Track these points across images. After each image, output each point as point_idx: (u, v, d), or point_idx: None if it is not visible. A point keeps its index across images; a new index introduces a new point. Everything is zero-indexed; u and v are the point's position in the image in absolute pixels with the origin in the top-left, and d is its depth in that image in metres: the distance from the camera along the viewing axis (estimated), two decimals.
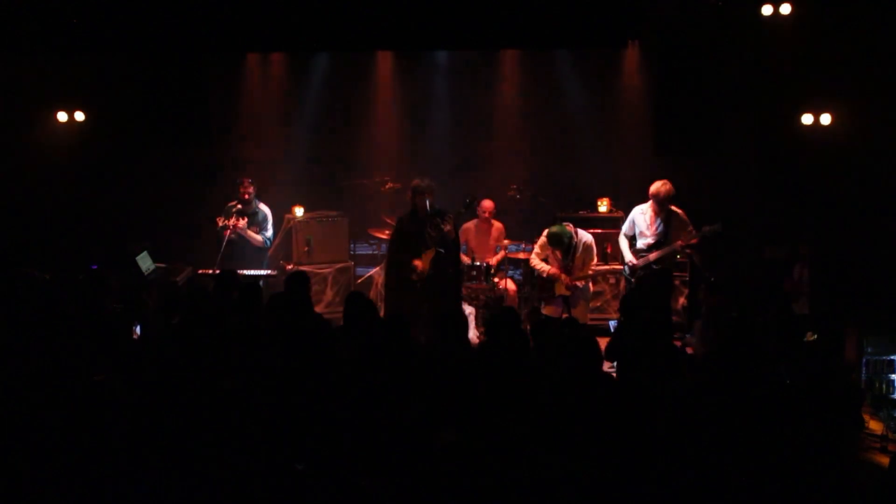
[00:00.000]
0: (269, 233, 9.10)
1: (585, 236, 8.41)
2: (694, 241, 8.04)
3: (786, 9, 8.72)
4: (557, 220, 8.89)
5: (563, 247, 8.29)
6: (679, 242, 8.09)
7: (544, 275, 8.45)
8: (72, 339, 5.79)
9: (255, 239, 8.94)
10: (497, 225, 9.40)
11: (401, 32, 8.91)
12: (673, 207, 8.20)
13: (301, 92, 10.53)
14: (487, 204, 9.25)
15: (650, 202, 8.24)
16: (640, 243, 8.30)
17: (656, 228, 8.21)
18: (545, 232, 8.45)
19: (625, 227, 8.47)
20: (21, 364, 5.33)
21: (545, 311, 8.45)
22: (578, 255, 8.34)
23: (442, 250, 8.10)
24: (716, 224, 7.96)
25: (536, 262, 8.51)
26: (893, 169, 9.06)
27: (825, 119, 9.07)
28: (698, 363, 6.20)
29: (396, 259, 8.26)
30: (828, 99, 9.07)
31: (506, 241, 9.40)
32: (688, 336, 8.18)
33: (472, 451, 4.27)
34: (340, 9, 8.83)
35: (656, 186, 8.17)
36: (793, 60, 9.21)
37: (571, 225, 8.41)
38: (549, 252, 8.44)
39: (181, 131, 8.96)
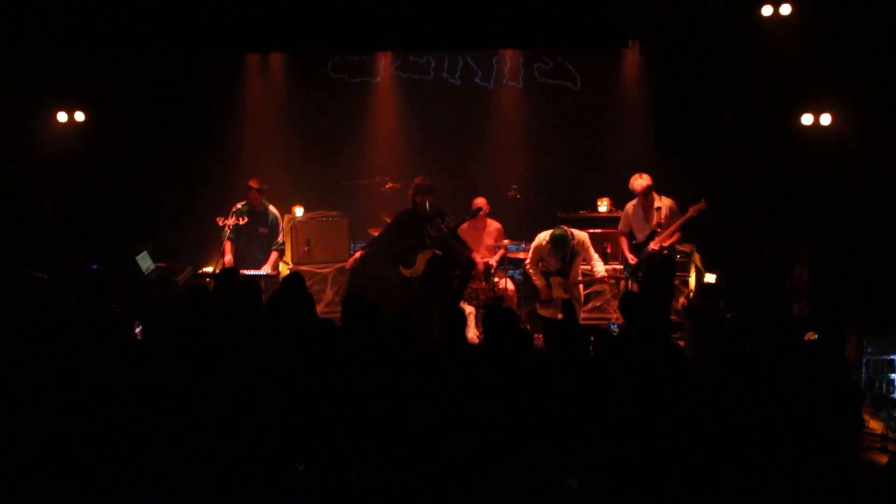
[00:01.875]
0: (281, 238, 9.14)
1: (580, 235, 8.42)
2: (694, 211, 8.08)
3: (786, 9, 8.72)
4: (558, 222, 8.90)
5: (565, 250, 8.29)
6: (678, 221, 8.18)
7: (538, 287, 8.48)
8: (72, 339, 5.79)
9: (271, 264, 9.03)
10: (494, 223, 9.39)
11: (400, 32, 8.92)
12: (662, 198, 8.28)
13: (301, 92, 10.52)
14: (480, 201, 9.20)
15: (637, 197, 8.36)
16: (640, 236, 8.38)
17: (652, 220, 8.28)
18: (543, 237, 8.45)
19: (620, 225, 8.57)
20: (21, 364, 5.33)
21: (542, 312, 8.47)
22: (578, 257, 8.35)
23: (439, 252, 8.11)
24: (699, 202, 8.05)
25: (533, 271, 8.51)
26: (893, 169, 9.06)
27: (825, 119, 9.07)
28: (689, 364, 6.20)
29: (389, 250, 8.30)
30: (828, 99, 9.07)
31: (505, 241, 9.40)
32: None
33: (475, 451, 4.27)
34: (340, 9, 8.83)
35: (631, 181, 8.31)
36: (793, 60, 9.21)
37: (567, 227, 8.42)
38: (544, 254, 8.44)
39: (181, 131, 8.97)
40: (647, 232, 8.33)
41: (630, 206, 8.52)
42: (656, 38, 9.03)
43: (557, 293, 8.32)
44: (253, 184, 8.92)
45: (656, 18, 8.94)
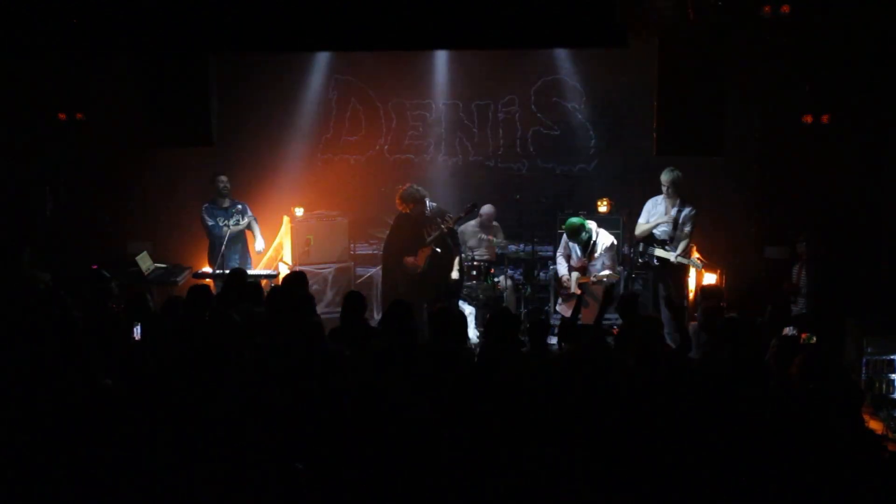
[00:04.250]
0: (255, 227, 9.32)
1: (605, 238, 8.30)
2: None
3: (786, 9, 8.71)
4: (560, 223, 8.92)
5: (576, 238, 8.23)
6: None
7: (558, 274, 8.52)
8: (72, 339, 5.79)
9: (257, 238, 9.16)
10: (496, 226, 9.43)
11: (401, 32, 8.91)
12: (686, 202, 8.31)
13: (301, 91, 10.52)
14: (488, 209, 9.29)
15: (663, 192, 8.37)
16: (658, 231, 8.39)
17: (671, 217, 8.29)
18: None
19: (640, 218, 8.55)
20: (21, 364, 5.33)
21: (560, 308, 8.49)
22: (596, 254, 8.27)
23: (438, 249, 8.13)
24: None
25: (558, 260, 8.54)
26: (893, 169, 9.05)
27: (825, 119, 9.07)
28: (693, 365, 6.21)
29: (393, 253, 8.35)
30: (828, 99, 9.06)
31: (503, 243, 9.44)
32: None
33: (473, 449, 4.27)
34: (340, 8, 8.82)
35: (663, 174, 8.31)
36: (793, 60, 9.21)
37: (595, 224, 8.35)
38: (568, 244, 8.45)
39: (181, 131, 8.95)
40: (668, 229, 8.32)
41: (650, 201, 8.51)
42: (656, 38, 9.02)
43: (573, 289, 8.31)
44: (224, 178, 9.07)
45: (656, 18, 8.94)
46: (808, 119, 9.08)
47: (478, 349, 6.91)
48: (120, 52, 9.14)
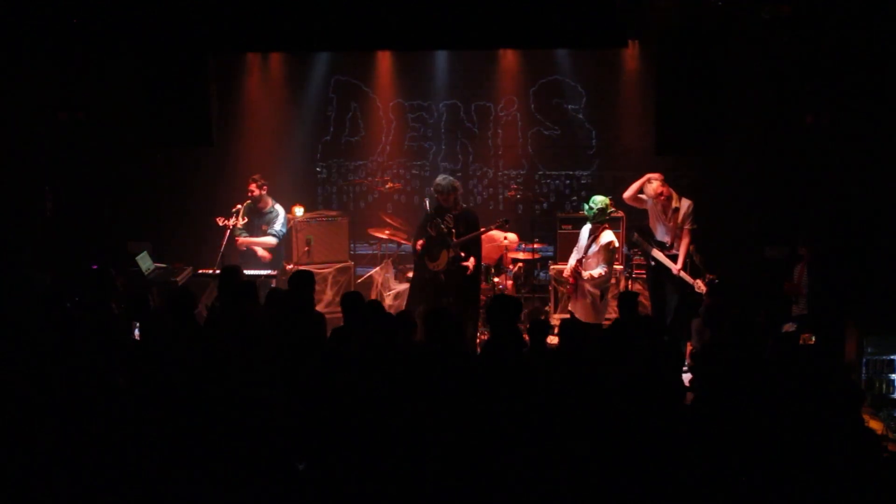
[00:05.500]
0: (278, 227, 9.31)
1: (605, 237, 8.13)
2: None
3: (786, 9, 8.70)
4: (559, 222, 8.93)
5: (589, 216, 8.14)
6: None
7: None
8: (71, 339, 5.79)
9: (262, 243, 9.17)
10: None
11: (401, 32, 8.92)
12: (682, 199, 8.31)
13: (301, 91, 10.53)
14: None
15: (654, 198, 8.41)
16: (659, 234, 8.41)
17: (668, 219, 8.32)
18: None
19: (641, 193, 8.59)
20: (21, 364, 5.33)
21: (570, 305, 8.50)
22: (593, 251, 8.15)
23: (460, 253, 8.12)
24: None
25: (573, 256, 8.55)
26: (893, 169, 9.05)
27: (825, 119, 9.06)
28: (695, 360, 6.21)
29: (417, 252, 8.37)
30: (828, 99, 9.06)
31: (505, 242, 9.42)
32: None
33: (471, 448, 4.27)
34: (340, 8, 8.83)
35: (645, 188, 8.37)
36: (793, 60, 9.21)
37: (609, 226, 8.22)
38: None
39: (182, 131, 8.98)
40: (667, 231, 8.36)
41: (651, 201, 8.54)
42: (656, 38, 9.04)
43: (571, 280, 8.26)
44: (251, 181, 9.09)
45: (656, 18, 8.94)
46: (809, 119, 9.08)
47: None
48: (120, 51, 9.15)
